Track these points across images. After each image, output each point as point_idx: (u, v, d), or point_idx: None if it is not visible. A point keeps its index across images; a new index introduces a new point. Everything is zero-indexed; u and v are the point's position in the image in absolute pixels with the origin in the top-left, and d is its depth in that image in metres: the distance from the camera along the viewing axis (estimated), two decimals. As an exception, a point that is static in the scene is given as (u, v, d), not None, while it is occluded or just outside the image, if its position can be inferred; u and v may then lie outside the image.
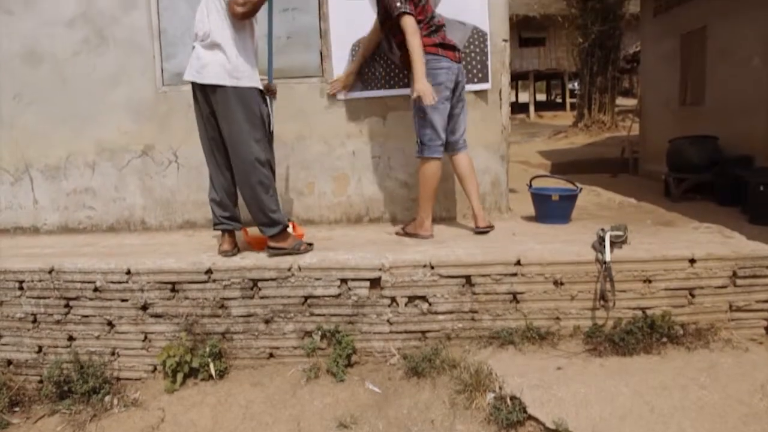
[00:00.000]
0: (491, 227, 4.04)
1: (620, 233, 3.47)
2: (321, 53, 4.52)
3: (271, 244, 3.60)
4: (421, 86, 3.65)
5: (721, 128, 6.12)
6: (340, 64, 4.44)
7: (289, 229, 3.78)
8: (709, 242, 3.62)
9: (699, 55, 6.92)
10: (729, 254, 3.38)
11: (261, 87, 3.60)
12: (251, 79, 3.51)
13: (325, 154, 4.58)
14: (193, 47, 3.56)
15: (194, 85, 3.56)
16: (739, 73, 6.09)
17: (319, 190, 4.62)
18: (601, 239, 3.41)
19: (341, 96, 4.48)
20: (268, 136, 3.67)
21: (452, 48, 3.89)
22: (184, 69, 4.52)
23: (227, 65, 3.43)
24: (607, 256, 3.32)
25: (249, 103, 3.48)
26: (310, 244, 3.73)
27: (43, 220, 4.81)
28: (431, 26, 3.84)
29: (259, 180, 3.52)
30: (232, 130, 3.49)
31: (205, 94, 3.53)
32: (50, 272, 3.64)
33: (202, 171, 4.57)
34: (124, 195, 4.73)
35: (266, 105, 3.66)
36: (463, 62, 4.28)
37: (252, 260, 3.56)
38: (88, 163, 4.72)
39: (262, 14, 3.64)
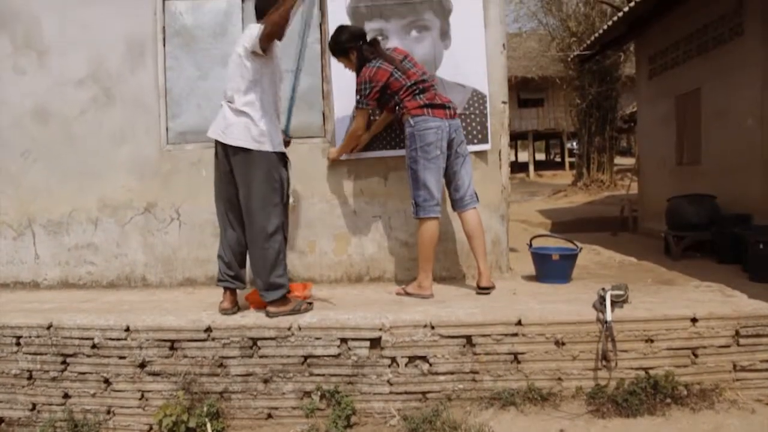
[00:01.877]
0: (493, 287, 4.04)
1: (621, 292, 3.46)
2: (323, 114, 4.61)
3: (271, 309, 3.58)
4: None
5: (718, 187, 6.19)
6: (342, 125, 4.52)
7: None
8: (710, 301, 3.61)
9: (694, 115, 7.05)
10: (731, 313, 3.36)
11: (284, 151, 3.67)
12: (274, 144, 3.57)
13: (326, 213, 4.61)
14: (221, 105, 3.65)
15: (217, 142, 3.62)
16: (733, 133, 6.20)
17: (320, 249, 4.64)
18: (602, 299, 3.40)
19: (343, 156, 4.54)
20: (285, 200, 3.71)
21: (442, 106, 3.97)
22: (189, 128, 4.67)
23: (253, 129, 3.50)
24: (608, 316, 3.30)
25: (269, 167, 3.54)
26: (310, 303, 3.72)
27: (44, 275, 4.82)
28: (415, 90, 3.95)
29: (269, 244, 3.55)
30: (248, 192, 3.54)
31: (226, 153, 3.59)
32: (48, 328, 3.62)
33: (203, 229, 4.62)
34: (125, 251, 4.74)
35: (286, 170, 3.71)
36: (463, 123, 4.37)
37: (252, 319, 3.55)
38: (91, 219, 4.76)
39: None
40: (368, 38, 4.12)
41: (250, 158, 3.51)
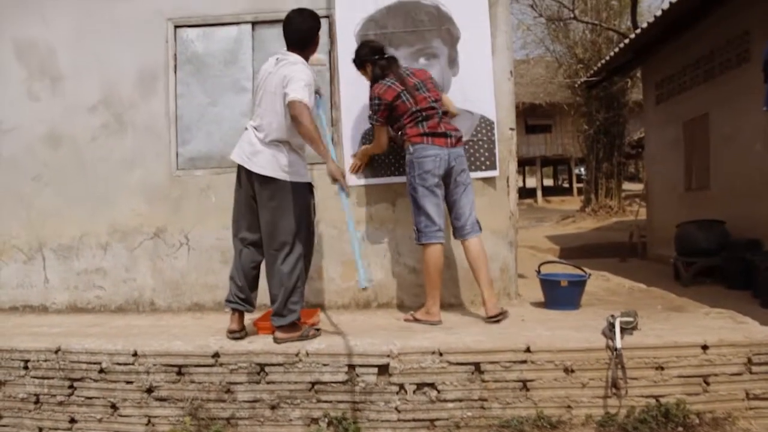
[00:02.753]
0: (502, 314, 3.94)
1: (630, 319, 3.44)
2: (332, 140, 4.63)
3: (279, 335, 3.58)
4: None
5: (727, 212, 6.17)
6: (351, 151, 4.55)
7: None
8: (721, 328, 3.58)
9: (702, 141, 7.06)
10: (742, 340, 3.33)
11: (310, 180, 3.72)
12: (301, 173, 3.63)
13: (334, 239, 4.61)
14: (246, 128, 3.69)
15: (241, 167, 3.65)
16: (742, 158, 6.19)
17: (327, 275, 4.63)
18: (612, 325, 3.38)
19: (351, 182, 4.56)
20: (312, 228, 3.75)
21: (443, 135, 3.97)
22: (199, 154, 4.71)
23: (282, 159, 3.55)
24: (618, 343, 3.27)
25: (296, 197, 3.58)
26: (318, 330, 3.72)
27: (53, 299, 4.83)
28: (418, 117, 3.97)
29: (291, 271, 3.57)
30: (274, 220, 3.57)
31: (251, 179, 3.61)
32: (56, 352, 3.63)
33: (212, 254, 4.63)
34: (134, 276, 4.76)
35: (312, 198, 3.76)
36: (471, 150, 4.40)
37: (260, 345, 3.54)
38: (101, 243, 4.78)
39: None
40: (388, 56, 4.14)
41: (277, 187, 3.55)
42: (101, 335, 3.87)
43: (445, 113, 4.15)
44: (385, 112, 4.02)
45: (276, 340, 3.56)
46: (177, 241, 4.72)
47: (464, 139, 4.24)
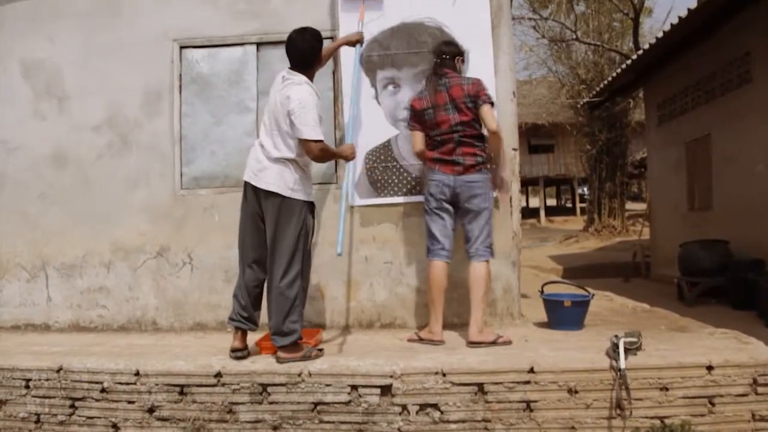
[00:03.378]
0: (485, 343, 3.81)
1: (634, 339, 3.42)
2: (336, 161, 4.65)
3: (282, 355, 3.57)
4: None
5: (730, 232, 6.15)
6: (354, 171, 4.56)
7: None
8: (725, 348, 3.57)
9: (704, 161, 7.06)
10: (747, 361, 3.31)
11: (313, 200, 3.76)
12: (306, 192, 3.67)
13: (337, 259, 4.58)
14: (253, 145, 3.73)
15: (247, 184, 3.69)
16: (744, 178, 6.19)
17: (330, 295, 4.62)
18: (615, 346, 3.36)
19: (355, 203, 4.57)
20: (309, 247, 3.77)
21: (452, 162, 3.98)
22: (202, 174, 4.74)
23: (288, 177, 3.59)
24: (622, 364, 3.26)
25: (299, 215, 3.61)
26: (321, 350, 3.71)
27: (55, 318, 4.83)
28: (435, 140, 4.03)
29: (287, 289, 3.57)
30: (276, 237, 3.59)
31: (257, 195, 3.65)
32: (58, 371, 3.62)
33: (214, 273, 4.63)
34: (137, 295, 4.76)
35: (313, 218, 3.78)
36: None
37: (262, 364, 3.53)
38: (104, 262, 4.79)
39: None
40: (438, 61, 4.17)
41: (282, 204, 3.57)
42: (103, 354, 3.86)
43: (470, 135, 4.01)
44: (414, 119, 4.12)
45: (278, 360, 3.55)
46: (180, 260, 4.73)
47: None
